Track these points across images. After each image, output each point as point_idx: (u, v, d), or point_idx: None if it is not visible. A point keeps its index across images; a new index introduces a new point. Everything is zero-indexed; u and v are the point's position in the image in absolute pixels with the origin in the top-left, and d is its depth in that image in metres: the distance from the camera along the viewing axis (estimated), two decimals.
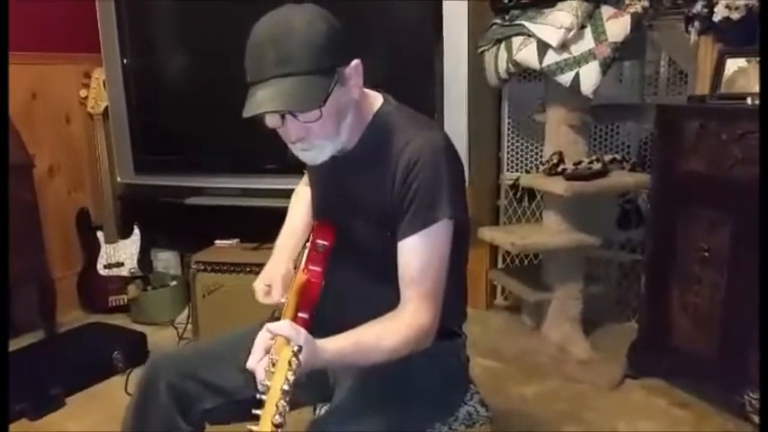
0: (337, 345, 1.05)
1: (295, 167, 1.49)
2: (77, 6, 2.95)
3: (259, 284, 1.31)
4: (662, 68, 2.57)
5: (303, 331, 0.99)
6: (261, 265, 1.36)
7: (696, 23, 2.15)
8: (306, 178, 1.50)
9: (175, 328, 2.81)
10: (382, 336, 1.11)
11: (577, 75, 2.15)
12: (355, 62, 1.13)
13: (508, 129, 2.84)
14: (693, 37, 2.19)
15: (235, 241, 2.69)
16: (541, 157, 2.65)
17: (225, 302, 2.43)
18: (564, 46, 2.16)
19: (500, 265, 2.97)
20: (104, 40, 2.87)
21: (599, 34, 2.15)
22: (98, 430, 2.07)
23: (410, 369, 1.15)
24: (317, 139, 1.14)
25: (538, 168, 2.51)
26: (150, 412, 1.24)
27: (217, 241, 2.71)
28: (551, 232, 2.42)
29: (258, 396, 0.89)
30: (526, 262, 2.89)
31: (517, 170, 2.84)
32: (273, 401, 0.86)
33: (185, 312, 2.83)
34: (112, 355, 2.44)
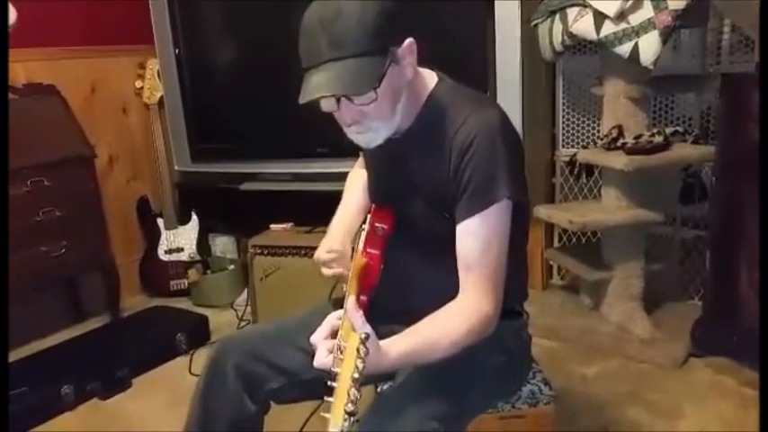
0: (399, 348, 1.04)
1: (347, 151, 1.49)
2: None
3: (321, 252, 1.30)
4: (725, 36, 2.45)
5: (368, 327, 0.97)
6: (315, 248, 1.35)
7: None
8: (361, 161, 1.49)
9: (235, 310, 2.88)
10: (444, 331, 1.09)
11: (636, 45, 2.07)
12: (408, 41, 1.11)
13: (563, 103, 2.77)
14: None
15: (289, 225, 2.72)
16: (598, 131, 2.58)
17: (282, 284, 2.47)
18: (622, 16, 2.08)
19: (556, 243, 2.92)
20: (157, 31, 2.89)
21: (659, 2, 2.05)
22: (164, 409, 2.13)
23: (473, 348, 1.13)
24: (373, 122, 1.12)
25: (595, 144, 2.44)
26: (218, 392, 1.28)
27: (272, 225, 2.74)
28: (611, 209, 2.36)
29: (329, 383, 0.89)
30: (584, 240, 2.83)
31: (573, 146, 2.77)
32: (345, 389, 0.86)
33: (244, 295, 2.89)
34: (176, 337, 2.51)
